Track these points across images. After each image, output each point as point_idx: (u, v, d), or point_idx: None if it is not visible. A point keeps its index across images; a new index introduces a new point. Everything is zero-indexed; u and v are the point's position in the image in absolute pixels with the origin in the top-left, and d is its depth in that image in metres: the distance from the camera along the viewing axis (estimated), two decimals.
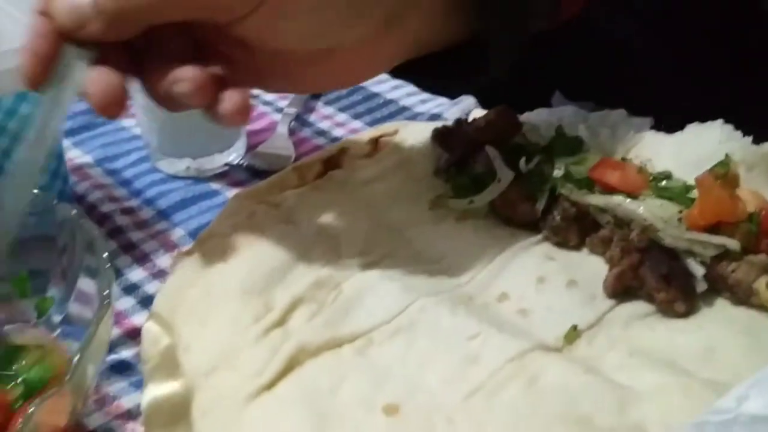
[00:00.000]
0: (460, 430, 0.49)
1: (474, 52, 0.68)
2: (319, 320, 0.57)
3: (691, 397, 0.50)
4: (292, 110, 0.93)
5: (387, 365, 0.54)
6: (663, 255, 0.59)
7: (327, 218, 0.68)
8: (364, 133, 0.80)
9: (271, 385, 0.52)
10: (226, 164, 0.84)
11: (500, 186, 0.69)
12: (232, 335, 0.56)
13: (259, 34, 0.54)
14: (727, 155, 0.66)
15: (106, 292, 0.51)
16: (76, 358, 0.46)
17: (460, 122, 0.76)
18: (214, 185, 0.82)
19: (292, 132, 0.91)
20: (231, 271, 0.61)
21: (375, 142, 0.78)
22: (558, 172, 0.66)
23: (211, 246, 0.64)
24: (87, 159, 0.87)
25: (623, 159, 0.72)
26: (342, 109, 0.96)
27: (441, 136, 0.76)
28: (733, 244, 0.57)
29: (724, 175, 0.65)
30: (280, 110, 0.94)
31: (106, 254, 0.55)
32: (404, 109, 0.97)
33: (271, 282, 0.60)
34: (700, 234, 0.58)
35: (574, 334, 0.57)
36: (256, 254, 0.62)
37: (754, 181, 0.64)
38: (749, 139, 0.67)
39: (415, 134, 0.79)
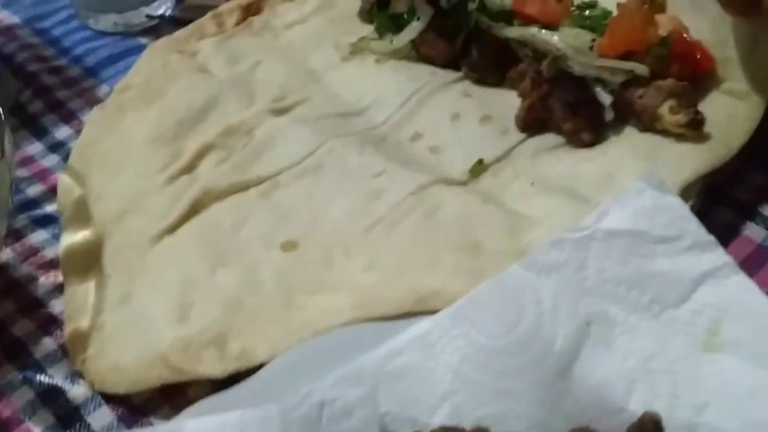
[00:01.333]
0: (355, 261, 0.51)
1: None
2: (228, 165, 0.58)
3: (580, 219, 0.51)
4: None
5: (291, 205, 0.55)
6: (571, 84, 0.58)
7: (243, 65, 0.67)
8: None
9: (174, 227, 0.54)
10: (152, 17, 0.81)
11: (420, 24, 0.67)
12: (141, 182, 0.57)
13: None
14: None
15: None
16: None
17: None
18: (143, 40, 0.80)
19: None
20: (142, 121, 0.61)
21: None
22: (472, 5, 0.64)
23: (125, 97, 0.64)
24: (15, 19, 0.85)
25: None
26: None
27: None
28: (641, 69, 0.56)
29: (649, 0, 0.63)
30: None
31: None
32: None
33: (182, 130, 0.61)
34: (608, 60, 0.57)
35: (479, 167, 0.58)
36: (167, 104, 0.62)
37: (677, 4, 0.62)
38: None
39: None
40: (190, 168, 0.58)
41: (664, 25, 0.59)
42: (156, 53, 0.67)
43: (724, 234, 0.56)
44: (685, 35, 0.58)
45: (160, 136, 0.60)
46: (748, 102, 0.57)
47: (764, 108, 0.57)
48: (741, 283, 0.39)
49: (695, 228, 0.41)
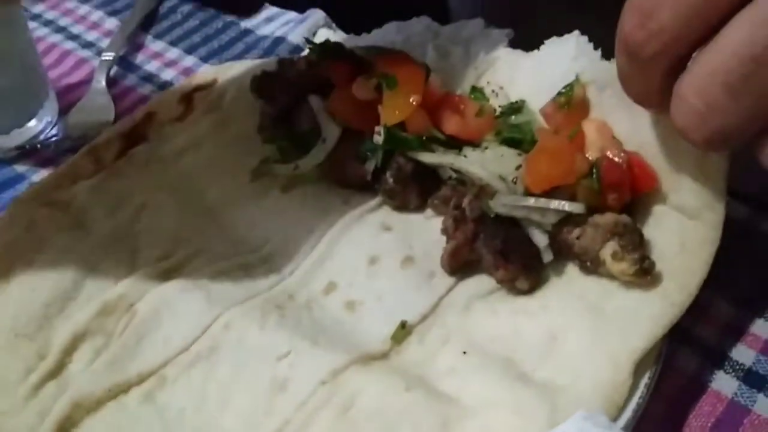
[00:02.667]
0: None
1: None
2: (104, 360, 0.49)
3: (520, 413, 0.43)
4: (111, 55, 0.79)
5: (179, 409, 0.46)
6: (499, 226, 0.50)
7: (124, 213, 0.57)
8: (175, 88, 0.68)
9: None
10: (21, 148, 0.71)
11: (326, 146, 0.59)
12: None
13: None
14: (576, 77, 0.55)
15: None
16: None
17: (283, 64, 0.64)
18: (19, 167, 0.70)
19: (113, 82, 0.78)
20: (1, 308, 0.51)
21: (188, 99, 0.66)
22: (378, 138, 0.55)
23: None
24: None
25: (474, 87, 0.61)
26: (174, 43, 0.83)
27: (260, 84, 0.64)
28: (574, 207, 0.48)
29: (566, 103, 0.54)
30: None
31: None
32: (246, 32, 0.83)
33: (49, 316, 0.51)
34: (536, 199, 0.49)
35: (402, 333, 0.49)
36: (31, 282, 0.53)
37: (605, 103, 0.54)
38: (599, 53, 0.56)
39: (237, 81, 0.67)
40: (58, 369, 0.49)
41: (592, 140, 0.51)
42: (20, 210, 0.57)
43: (690, 389, 0.49)
44: (617, 156, 0.50)
45: (22, 329, 0.50)
46: (701, 222, 0.49)
47: (721, 228, 0.49)
48: None
49: None
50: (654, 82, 0.42)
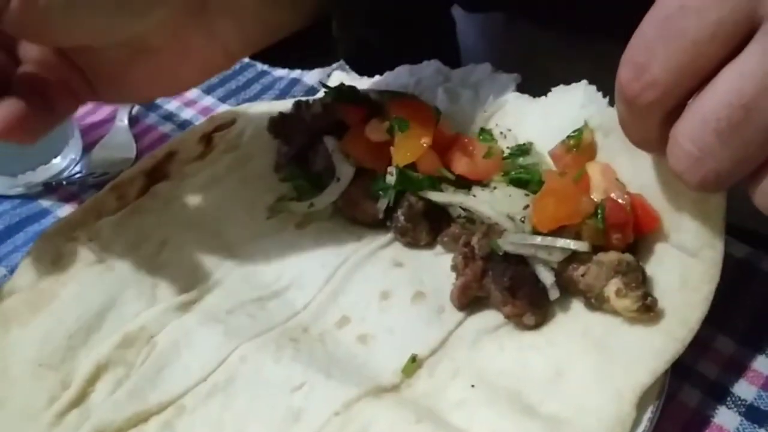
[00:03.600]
0: None
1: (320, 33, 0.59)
2: (125, 389, 0.50)
3: None
4: None
5: None
6: (507, 263, 0.52)
7: (146, 249, 0.60)
8: (196, 127, 0.71)
9: None
10: (55, 177, 0.74)
11: (340, 185, 0.61)
12: (25, 424, 0.49)
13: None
14: (585, 123, 0.58)
15: None
16: None
17: (299, 106, 0.67)
18: (45, 202, 0.73)
19: (135, 121, 0.81)
20: (27, 339, 0.53)
21: (208, 138, 0.69)
22: (390, 179, 0.58)
23: (10, 306, 0.56)
24: None
25: (483, 129, 0.64)
26: None
27: (278, 125, 0.67)
28: (580, 245, 0.50)
29: (575, 146, 0.57)
30: None
31: None
32: (263, 73, 0.86)
33: (73, 347, 0.53)
34: (543, 238, 0.51)
35: (413, 366, 0.51)
36: (56, 313, 0.55)
37: (610, 147, 0.56)
38: (606, 101, 0.58)
39: (255, 122, 0.70)
40: (81, 398, 0.50)
41: (596, 183, 0.53)
42: (46, 244, 0.60)
43: (693, 424, 0.50)
44: (620, 198, 0.52)
45: (47, 359, 0.52)
46: (701, 260, 0.51)
47: (720, 265, 0.51)
48: None
49: None
50: (651, 128, 0.45)
